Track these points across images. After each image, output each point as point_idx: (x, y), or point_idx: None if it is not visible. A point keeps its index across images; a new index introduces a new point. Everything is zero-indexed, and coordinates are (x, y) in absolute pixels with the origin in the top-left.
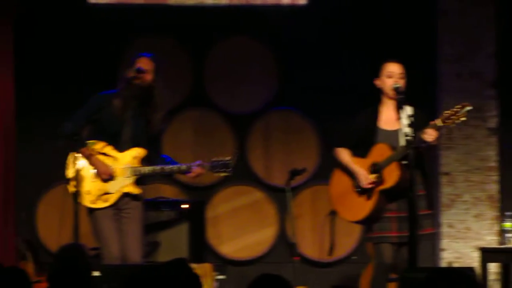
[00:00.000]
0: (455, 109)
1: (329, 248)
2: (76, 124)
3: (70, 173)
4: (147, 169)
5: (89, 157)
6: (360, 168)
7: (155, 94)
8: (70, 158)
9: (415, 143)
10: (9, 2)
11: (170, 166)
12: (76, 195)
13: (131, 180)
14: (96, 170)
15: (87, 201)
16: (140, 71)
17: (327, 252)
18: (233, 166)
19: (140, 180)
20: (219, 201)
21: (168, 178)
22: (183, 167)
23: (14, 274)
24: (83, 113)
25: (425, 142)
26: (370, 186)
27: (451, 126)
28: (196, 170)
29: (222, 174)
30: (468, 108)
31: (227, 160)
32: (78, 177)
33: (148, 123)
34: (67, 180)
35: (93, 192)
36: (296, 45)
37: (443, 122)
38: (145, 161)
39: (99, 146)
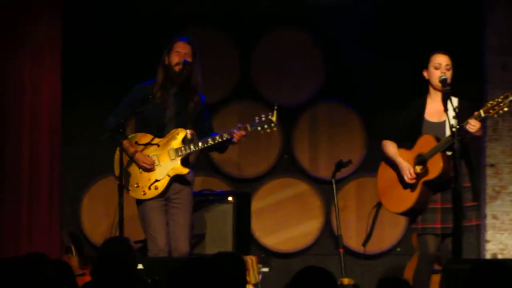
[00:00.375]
0: (498, 99)
1: (364, 239)
2: (119, 118)
3: (118, 168)
4: (191, 147)
5: (129, 151)
6: (405, 162)
7: (192, 78)
8: (117, 153)
9: (459, 134)
10: None
11: (212, 138)
12: (126, 189)
13: (177, 161)
14: (137, 163)
15: (139, 194)
16: (187, 63)
17: (362, 242)
18: (275, 121)
19: (188, 162)
20: (265, 193)
21: (214, 170)
22: (225, 135)
23: (58, 267)
24: (124, 105)
25: (468, 132)
26: (412, 181)
27: (494, 116)
28: (237, 133)
29: (268, 130)
30: (511, 98)
31: (268, 117)
32: (126, 172)
33: (187, 107)
34: (116, 176)
35: (141, 184)
36: (342, 38)
37: (486, 112)
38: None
39: (147, 138)
